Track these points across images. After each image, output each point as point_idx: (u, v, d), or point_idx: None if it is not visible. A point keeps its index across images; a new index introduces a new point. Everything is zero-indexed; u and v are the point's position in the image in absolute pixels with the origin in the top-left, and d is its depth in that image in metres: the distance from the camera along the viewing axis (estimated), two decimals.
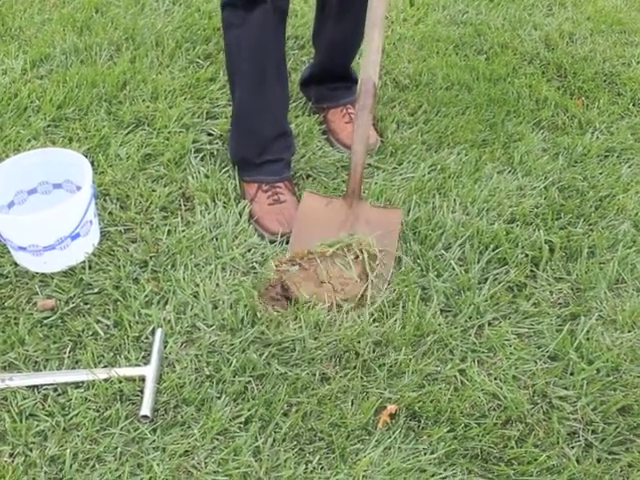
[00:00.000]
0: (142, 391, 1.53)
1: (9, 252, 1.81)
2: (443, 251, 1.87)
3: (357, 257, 1.79)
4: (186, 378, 1.56)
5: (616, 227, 1.98)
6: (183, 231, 1.89)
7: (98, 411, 1.51)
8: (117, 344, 1.63)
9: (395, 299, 1.74)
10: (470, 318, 1.72)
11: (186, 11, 2.75)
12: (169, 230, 1.90)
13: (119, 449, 1.44)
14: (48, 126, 2.20)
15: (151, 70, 2.44)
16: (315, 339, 1.65)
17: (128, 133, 2.18)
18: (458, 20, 2.86)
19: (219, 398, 1.53)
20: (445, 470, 1.45)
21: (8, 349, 1.62)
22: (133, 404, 1.53)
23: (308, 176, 2.11)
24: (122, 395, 1.53)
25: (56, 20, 2.68)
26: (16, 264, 1.80)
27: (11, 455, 1.44)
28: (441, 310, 1.73)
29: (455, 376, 1.60)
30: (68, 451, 1.43)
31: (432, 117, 2.34)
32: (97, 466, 1.42)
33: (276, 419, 1.50)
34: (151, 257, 1.82)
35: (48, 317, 1.68)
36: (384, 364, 1.61)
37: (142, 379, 1.55)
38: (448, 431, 1.50)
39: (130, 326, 1.66)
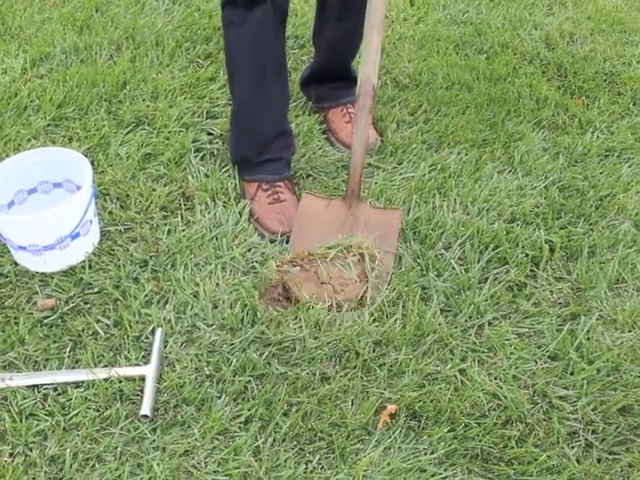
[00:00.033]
0: (142, 391, 1.53)
1: (9, 252, 1.80)
2: (443, 251, 1.87)
3: (357, 258, 1.78)
4: (186, 378, 1.56)
5: (616, 227, 1.98)
6: (183, 231, 1.89)
7: (98, 411, 1.51)
8: (117, 344, 1.63)
9: (395, 299, 1.74)
10: (470, 318, 1.72)
11: (186, 10, 2.75)
12: (169, 230, 1.90)
13: (119, 449, 1.44)
14: (48, 125, 2.20)
15: (151, 69, 2.44)
16: (315, 339, 1.65)
17: (128, 132, 2.18)
18: (458, 19, 2.86)
19: (219, 398, 1.53)
20: (445, 470, 1.45)
21: (8, 348, 1.62)
22: (133, 404, 1.53)
23: (308, 175, 2.11)
24: (122, 395, 1.53)
25: (56, 19, 2.68)
26: (16, 264, 1.80)
27: (11, 455, 1.44)
28: (441, 310, 1.73)
29: (455, 376, 1.60)
30: (68, 451, 1.43)
31: (432, 117, 2.34)
32: (97, 466, 1.42)
33: (276, 419, 1.50)
34: (151, 257, 1.82)
35: (48, 317, 1.68)
36: (384, 364, 1.61)
37: (142, 379, 1.55)
38: (448, 431, 1.50)
39: (130, 326, 1.66)
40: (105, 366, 1.59)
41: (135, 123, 2.21)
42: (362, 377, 1.59)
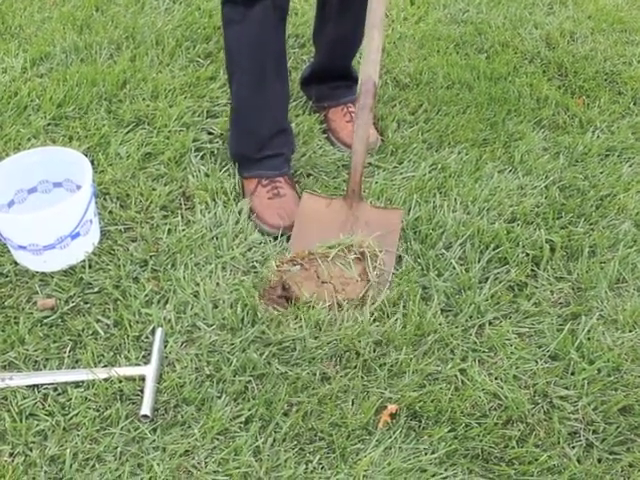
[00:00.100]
0: (142, 391, 1.53)
1: (9, 251, 1.80)
2: (444, 250, 1.86)
3: (358, 257, 1.78)
4: (186, 377, 1.56)
5: (617, 226, 1.98)
6: (183, 230, 1.89)
7: (98, 410, 1.50)
8: (117, 343, 1.63)
9: (396, 298, 1.74)
10: (471, 317, 1.72)
11: (186, 10, 2.75)
12: (169, 229, 1.90)
13: (119, 449, 1.44)
14: (48, 125, 2.20)
15: (151, 69, 2.43)
16: (315, 338, 1.65)
17: (128, 132, 2.17)
18: (459, 19, 2.86)
19: (219, 398, 1.53)
20: (446, 470, 1.45)
21: (8, 348, 1.62)
22: (133, 404, 1.53)
23: (309, 175, 2.11)
24: (122, 395, 1.53)
25: (56, 18, 2.68)
26: (16, 263, 1.79)
27: (11, 455, 1.44)
28: (442, 309, 1.73)
29: (456, 376, 1.60)
30: (68, 451, 1.43)
31: (433, 116, 2.34)
32: (97, 466, 1.42)
33: (276, 419, 1.50)
34: (151, 256, 1.81)
35: (48, 316, 1.67)
36: (385, 364, 1.61)
37: (142, 378, 1.55)
38: (449, 431, 1.50)
39: (130, 325, 1.65)
40: (105, 366, 1.59)
41: (135, 122, 2.21)
42: (362, 377, 1.59)
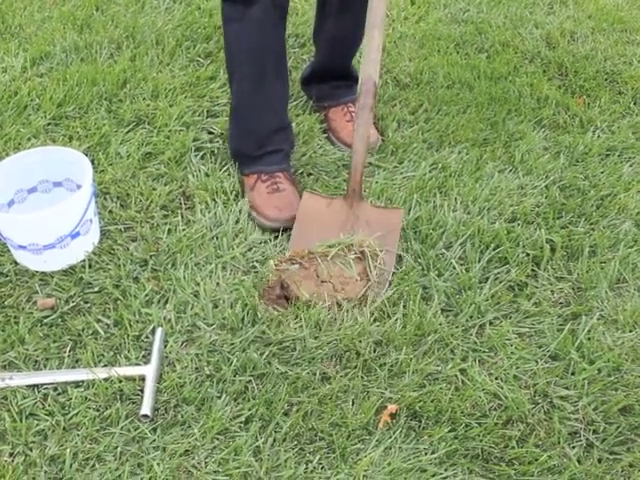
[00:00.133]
0: (142, 390, 1.53)
1: (9, 251, 1.80)
2: (444, 250, 1.86)
3: (358, 257, 1.78)
4: (186, 377, 1.56)
5: (617, 226, 1.98)
6: (183, 230, 1.89)
7: (98, 410, 1.50)
8: (117, 343, 1.63)
9: (396, 298, 1.74)
10: (471, 317, 1.72)
11: (186, 9, 2.75)
12: (169, 229, 1.90)
13: (119, 448, 1.44)
14: (48, 124, 2.20)
15: (151, 68, 2.43)
16: (316, 338, 1.64)
17: (128, 131, 2.17)
18: (459, 18, 2.86)
19: (219, 397, 1.53)
20: (446, 470, 1.45)
21: (8, 348, 1.62)
22: (133, 403, 1.53)
23: (309, 174, 2.11)
24: (122, 394, 1.53)
25: (56, 18, 2.68)
26: (16, 263, 1.79)
27: (11, 454, 1.44)
28: (442, 309, 1.73)
29: (456, 376, 1.60)
30: (68, 450, 1.43)
31: (433, 116, 2.34)
32: (97, 466, 1.42)
33: (276, 419, 1.50)
34: (151, 256, 1.81)
35: (48, 316, 1.67)
36: (385, 364, 1.61)
37: (142, 378, 1.55)
38: (449, 431, 1.50)
39: (130, 325, 1.65)
40: (105, 366, 1.58)
41: (135, 122, 2.21)
42: (363, 377, 1.59)
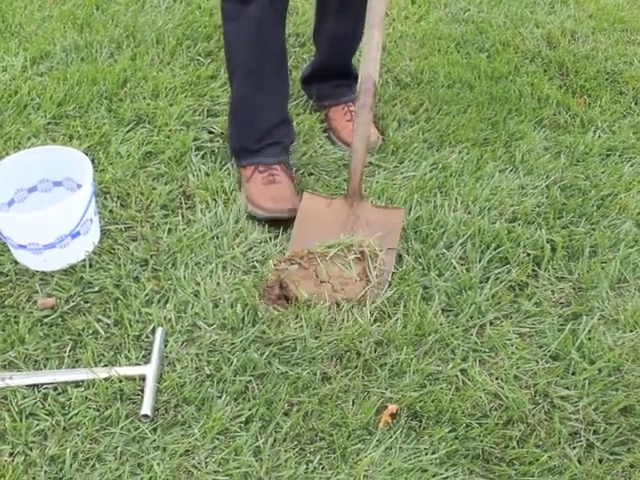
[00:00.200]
0: (142, 390, 1.53)
1: (9, 250, 1.80)
2: (444, 250, 1.86)
3: (358, 257, 1.78)
4: (187, 377, 1.55)
5: (618, 226, 1.98)
6: (184, 229, 1.88)
7: (98, 410, 1.50)
8: (117, 343, 1.63)
9: (396, 298, 1.74)
10: (471, 317, 1.71)
11: (187, 8, 2.75)
12: (170, 228, 1.89)
13: (119, 448, 1.44)
14: (48, 124, 2.19)
15: (152, 68, 2.43)
16: (316, 338, 1.64)
17: (129, 131, 2.17)
18: (460, 18, 2.85)
19: (220, 397, 1.53)
20: (446, 470, 1.45)
21: (8, 348, 1.61)
22: (133, 403, 1.52)
23: (310, 174, 2.11)
24: (122, 394, 1.53)
25: (56, 17, 2.67)
26: (16, 262, 1.79)
27: (11, 454, 1.44)
28: (442, 309, 1.73)
29: (456, 376, 1.59)
30: (68, 450, 1.43)
31: (433, 115, 2.33)
32: (97, 465, 1.42)
33: (277, 419, 1.50)
34: (152, 255, 1.81)
35: (48, 316, 1.67)
36: (385, 364, 1.61)
37: (142, 378, 1.55)
38: (449, 431, 1.50)
39: (130, 325, 1.65)
40: (105, 365, 1.58)
41: (136, 121, 2.21)
42: (363, 377, 1.59)
